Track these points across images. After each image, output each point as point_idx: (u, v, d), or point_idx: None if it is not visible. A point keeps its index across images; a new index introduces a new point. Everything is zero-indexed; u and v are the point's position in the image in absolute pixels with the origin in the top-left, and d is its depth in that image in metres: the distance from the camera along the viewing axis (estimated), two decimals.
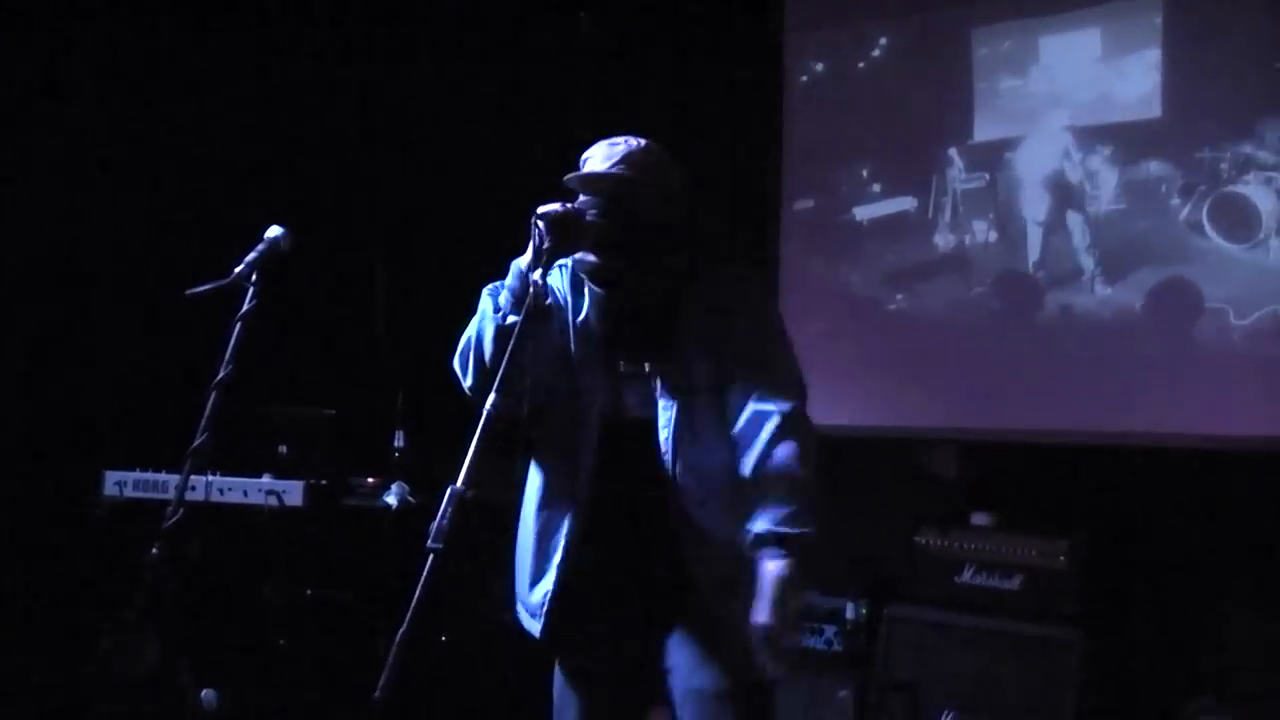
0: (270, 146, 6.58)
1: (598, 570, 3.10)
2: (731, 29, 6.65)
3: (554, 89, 6.92)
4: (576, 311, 3.16)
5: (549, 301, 3.11)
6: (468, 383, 3.08)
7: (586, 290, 3.16)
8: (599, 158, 3.09)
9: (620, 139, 3.12)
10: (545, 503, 3.18)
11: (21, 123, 5.91)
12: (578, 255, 3.05)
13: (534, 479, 3.25)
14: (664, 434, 3.03)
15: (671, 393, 3.04)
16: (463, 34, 7.10)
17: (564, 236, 2.91)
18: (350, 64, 6.96)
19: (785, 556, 2.82)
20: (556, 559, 3.10)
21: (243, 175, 6.38)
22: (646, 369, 3.08)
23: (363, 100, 7.06)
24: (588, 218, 2.97)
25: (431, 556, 2.44)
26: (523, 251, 2.99)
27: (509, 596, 3.30)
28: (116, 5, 6.16)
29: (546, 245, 2.88)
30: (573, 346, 3.15)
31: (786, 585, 2.79)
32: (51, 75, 6.03)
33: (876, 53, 6.35)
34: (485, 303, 3.05)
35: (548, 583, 3.10)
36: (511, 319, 2.91)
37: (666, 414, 3.03)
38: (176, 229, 6.15)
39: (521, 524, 3.26)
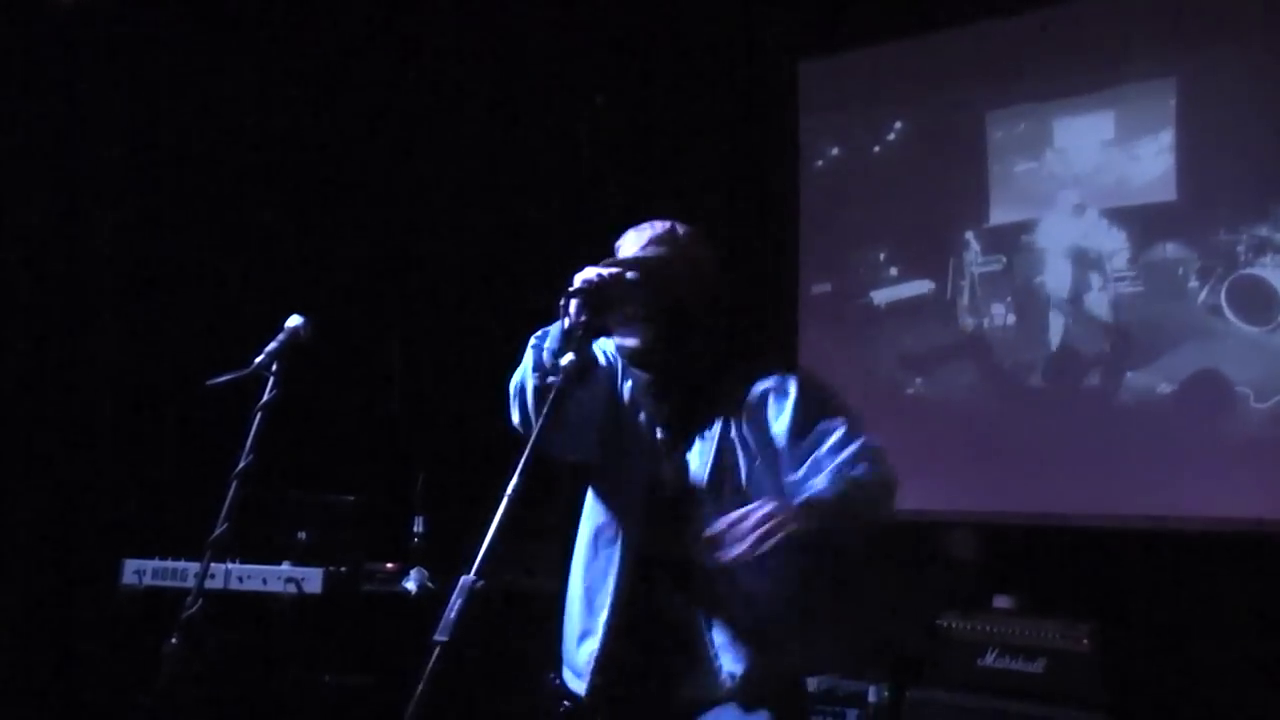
0: (286, 232, 6.63)
1: (641, 631, 3.08)
2: (747, 113, 6.70)
3: (571, 172, 6.98)
4: (626, 378, 3.21)
5: (601, 365, 3.17)
6: (514, 418, 3.08)
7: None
8: (630, 243, 3.13)
9: (648, 223, 3.15)
10: (592, 560, 3.18)
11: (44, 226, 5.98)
12: (617, 340, 3.08)
13: (583, 534, 3.25)
14: (707, 505, 2.99)
15: (710, 466, 3.03)
16: (481, 111, 7.17)
17: (603, 304, 2.91)
18: (364, 148, 7.02)
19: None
20: (603, 617, 3.09)
21: (261, 263, 6.43)
22: (686, 443, 3.09)
23: (378, 185, 7.12)
24: (628, 276, 2.98)
25: (437, 648, 2.41)
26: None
27: (554, 662, 3.29)
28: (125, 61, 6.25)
29: (583, 319, 2.86)
30: (622, 413, 3.19)
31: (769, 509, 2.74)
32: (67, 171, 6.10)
33: (891, 136, 6.39)
34: (529, 356, 3.02)
35: (593, 642, 3.10)
36: (549, 379, 2.89)
37: (706, 484, 3.03)
38: (196, 319, 6.18)
39: (570, 582, 3.25)
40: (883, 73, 6.44)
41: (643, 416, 3.16)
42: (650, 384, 3.15)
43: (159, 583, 5.33)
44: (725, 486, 3.02)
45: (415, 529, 5.81)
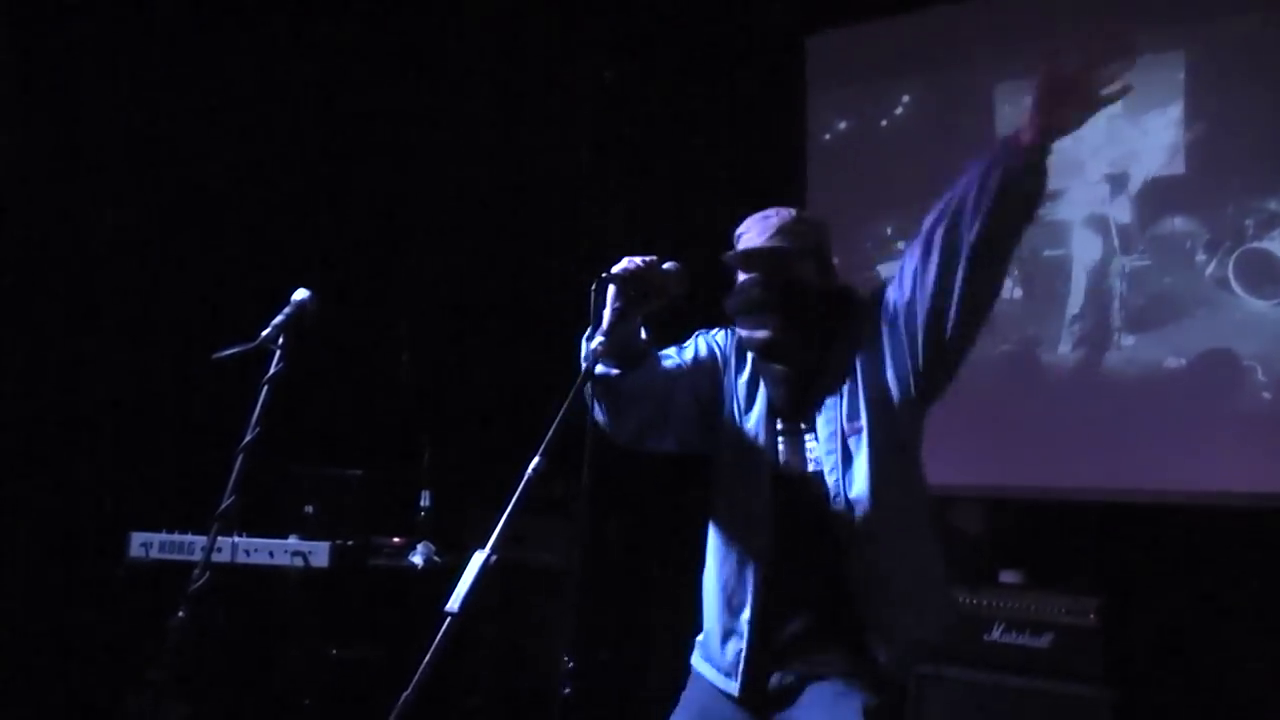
0: (298, 204, 6.63)
1: (787, 624, 3.10)
2: (755, 86, 6.68)
3: (581, 150, 6.96)
4: (739, 371, 3.23)
5: (704, 357, 3.25)
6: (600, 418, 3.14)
7: (749, 354, 3.23)
8: (754, 233, 3.17)
9: (771, 211, 3.20)
10: (725, 559, 3.21)
11: (57, 195, 5.97)
12: (743, 333, 3.14)
13: (713, 534, 3.27)
14: (831, 486, 3.04)
15: (831, 444, 3.05)
16: (489, 85, 7.15)
17: (641, 292, 2.97)
18: (378, 122, 7.01)
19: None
20: (746, 615, 3.11)
21: (270, 237, 6.42)
22: (806, 426, 3.11)
23: (391, 160, 7.11)
24: (664, 267, 3.03)
25: (448, 620, 2.41)
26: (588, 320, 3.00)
27: (693, 647, 3.31)
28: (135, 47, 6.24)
29: (618, 305, 2.93)
30: (737, 406, 3.21)
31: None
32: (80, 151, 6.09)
33: (899, 110, 6.37)
34: (583, 348, 3.08)
35: (739, 641, 3.13)
36: (600, 368, 2.98)
37: (828, 463, 3.05)
38: (204, 292, 6.18)
39: (705, 580, 3.29)
40: (890, 46, 6.41)
41: (761, 406, 3.18)
42: (778, 373, 3.15)
43: (165, 556, 5.35)
44: (853, 456, 3.04)
45: (422, 503, 5.81)
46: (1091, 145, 5.76)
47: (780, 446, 3.14)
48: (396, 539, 5.73)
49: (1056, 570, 5.48)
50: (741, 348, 3.24)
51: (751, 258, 3.13)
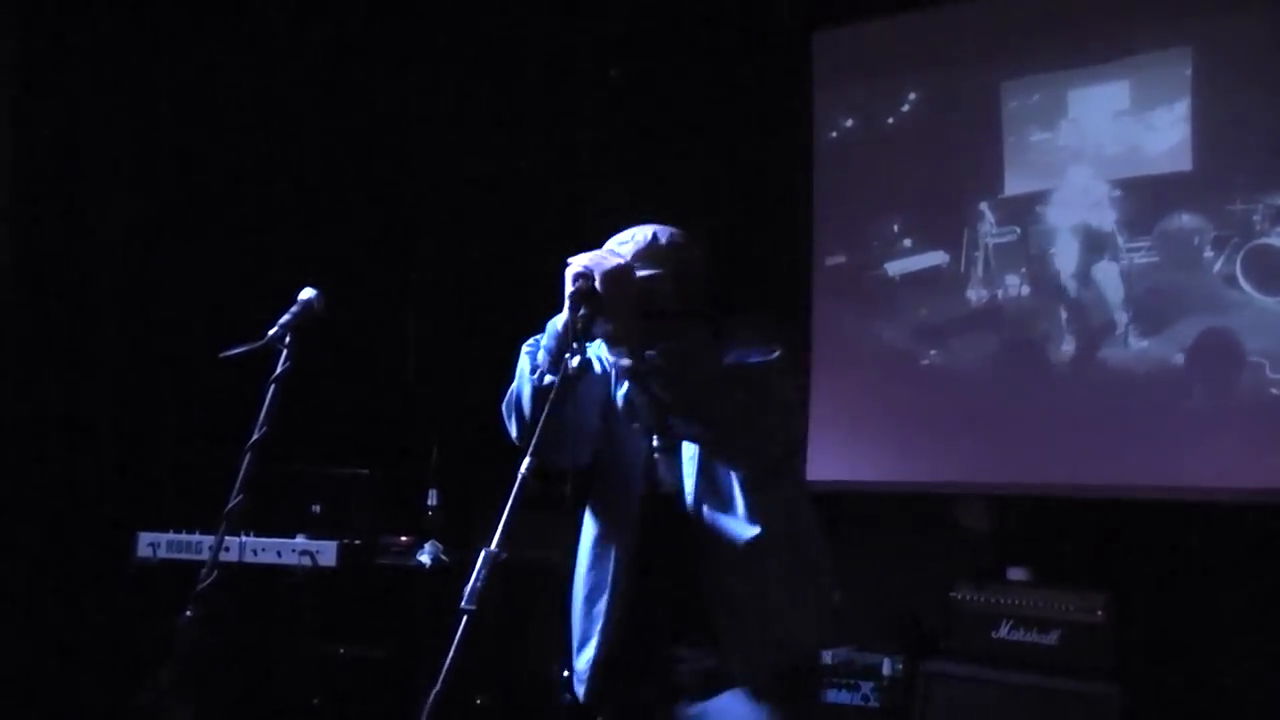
0: (304, 204, 6.63)
1: (639, 638, 3.07)
2: (761, 84, 6.67)
3: (586, 146, 6.96)
4: (619, 384, 3.13)
5: (593, 368, 3.07)
6: (513, 434, 3.10)
7: None
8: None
9: (628, 232, 3.08)
10: (591, 567, 3.17)
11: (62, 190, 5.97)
12: (613, 356, 2.97)
13: (584, 541, 3.24)
14: (690, 504, 3.01)
15: (693, 465, 3.02)
16: (500, 91, 7.15)
17: (600, 301, 2.81)
18: (382, 121, 7.01)
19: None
20: (600, 625, 3.09)
21: (276, 237, 6.42)
22: (677, 448, 3.06)
23: (396, 159, 7.11)
24: (636, 272, 2.90)
25: (465, 618, 2.41)
26: (559, 310, 2.92)
27: (564, 657, 3.30)
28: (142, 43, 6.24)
29: (583, 314, 2.78)
30: (615, 417, 3.15)
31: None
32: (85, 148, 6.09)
33: (905, 108, 6.36)
34: (523, 362, 3.02)
35: (591, 649, 3.10)
36: (548, 379, 2.89)
37: (690, 482, 3.02)
38: (210, 290, 6.17)
39: (574, 587, 3.24)
40: (897, 43, 6.40)
41: (637, 423, 3.11)
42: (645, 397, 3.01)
43: (173, 555, 5.36)
44: (718, 479, 3.01)
45: (429, 502, 5.81)
46: (1098, 142, 5.77)
47: (656, 459, 3.10)
48: (404, 538, 5.75)
49: (1064, 567, 5.48)
50: None
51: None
